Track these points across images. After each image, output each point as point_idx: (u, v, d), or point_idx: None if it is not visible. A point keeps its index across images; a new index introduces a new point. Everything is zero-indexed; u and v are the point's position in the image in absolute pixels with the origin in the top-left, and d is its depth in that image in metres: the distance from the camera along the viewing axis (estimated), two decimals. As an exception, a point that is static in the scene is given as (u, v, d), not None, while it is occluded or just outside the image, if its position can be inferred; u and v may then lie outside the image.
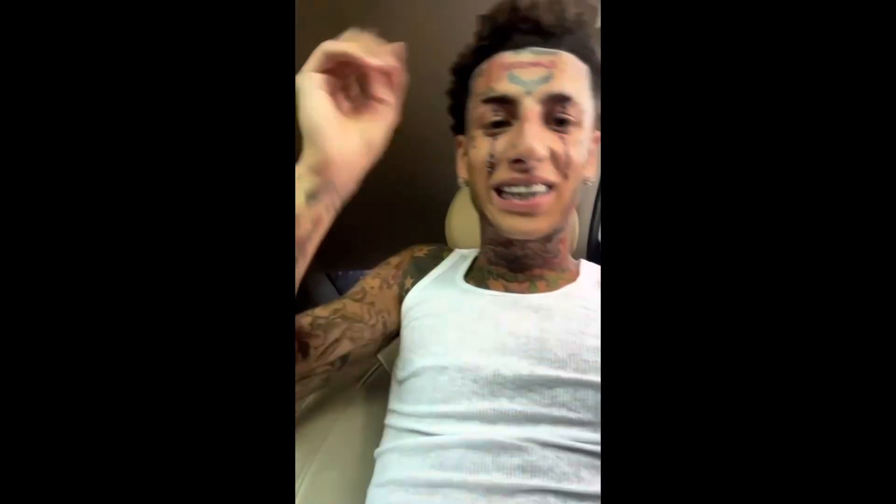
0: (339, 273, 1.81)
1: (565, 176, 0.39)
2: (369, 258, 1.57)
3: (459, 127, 0.47)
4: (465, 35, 0.62)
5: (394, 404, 0.41)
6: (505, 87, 0.39)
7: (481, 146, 0.40)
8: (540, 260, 0.44)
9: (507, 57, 0.40)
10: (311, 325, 0.40)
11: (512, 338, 0.38)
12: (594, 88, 0.42)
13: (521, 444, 0.32)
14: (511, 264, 0.45)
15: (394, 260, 0.53)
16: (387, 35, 0.43)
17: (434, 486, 0.32)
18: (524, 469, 0.31)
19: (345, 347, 0.41)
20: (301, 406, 0.48)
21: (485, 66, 0.41)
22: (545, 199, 0.39)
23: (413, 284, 0.49)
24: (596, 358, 0.36)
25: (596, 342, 0.37)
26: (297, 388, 0.39)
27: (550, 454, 0.32)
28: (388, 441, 0.39)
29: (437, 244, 0.56)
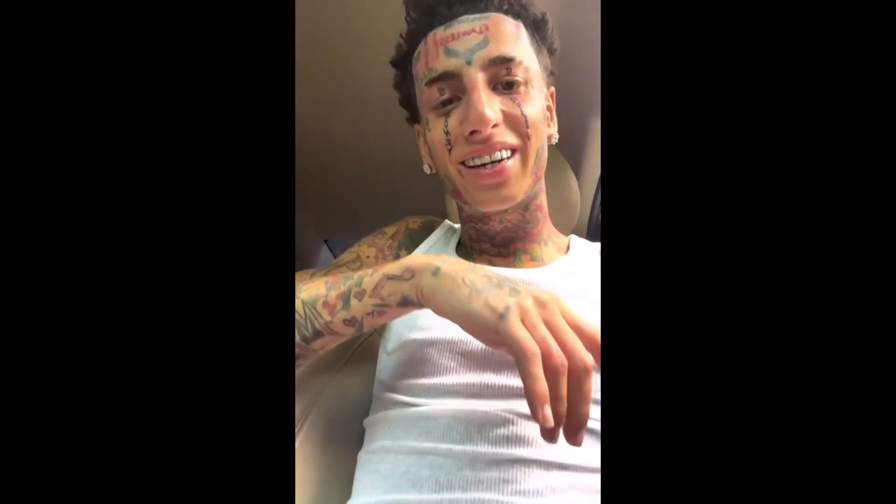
0: (337, 240, 1.81)
1: (526, 136, 0.38)
2: (368, 225, 1.57)
3: (414, 116, 0.47)
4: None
5: (383, 375, 0.42)
6: (444, 63, 0.38)
7: (435, 127, 0.40)
8: (521, 232, 0.44)
9: (439, 33, 0.38)
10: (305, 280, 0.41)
11: None
12: (535, 44, 0.41)
13: (505, 415, 0.33)
14: (493, 240, 0.45)
15: (389, 230, 0.53)
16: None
17: (421, 453, 0.33)
18: (508, 439, 0.32)
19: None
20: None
21: (420, 48, 0.40)
22: (511, 164, 0.38)
23: (405, 256, 0.50)
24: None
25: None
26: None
27: (534, 424, 0.32)
28: (377, 410, 0.40)
29: (431, 217, 0.56)
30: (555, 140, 0.44)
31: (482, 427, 0.33)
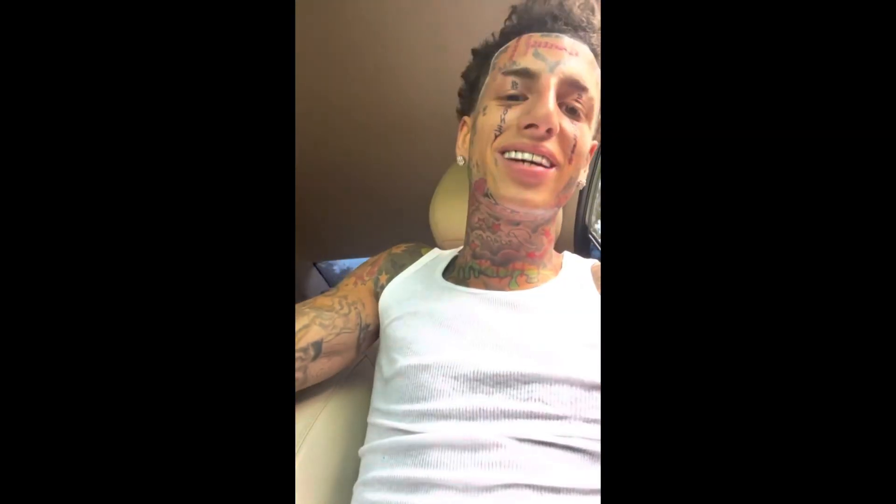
0: (326, 264, 1.81)
1: (569, 160, 0.39)
2: (356, 248, 1.57)
3: (467, 108, 0.47)
4: (455, 36, 0.62)
5: (377, 403, 0.42)
6: (529, 61, 0.39)
7: (493, 113, 0.40)
8: (524, 251, 0.44)
9: (535, 37, 0.40)
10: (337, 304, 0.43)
11: (491, 335, 0.39)
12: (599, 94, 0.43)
13: (498, 439, 0.33)
14: (494, 255, 0.45)
15: (372, 258, 0.53)
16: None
17: (416, 483, 0.33)
18: (501, 464, 0.32)
19: (315, 334, 0.42)
20: None
21: (511, 43, 0.42)
22: (548, 173, 0.39)
23: (388, 280, 0.50)
24: (571, 354, 0.36)
25: (572, 339, 0.37)
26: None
27: (526, 449, 0.33)
28: (372, 439, 0.40)
29: (416, 242, 0.57)
30: (581, 186, 0.45)
31: (475, 451, 0.33)
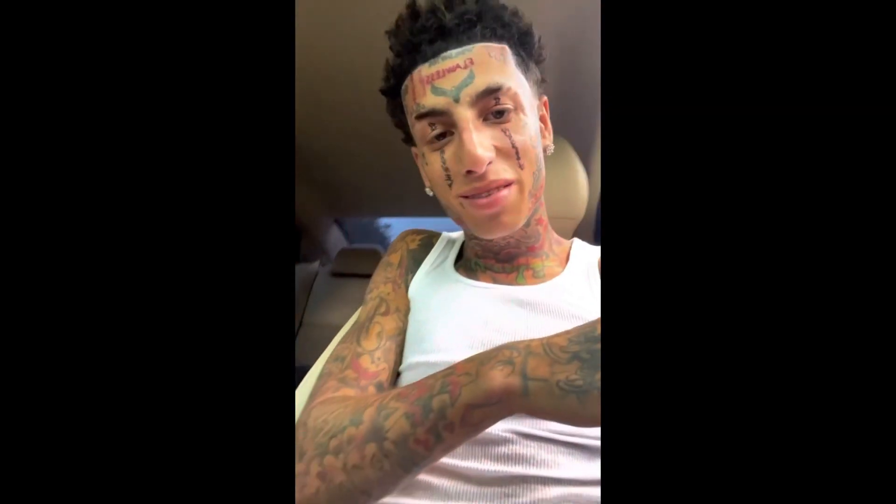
0: (347, 219, 1.85)
1: (520, 166, 0.39)
2: (375, 205, 1.59)
3: (409, 139, 0.47)
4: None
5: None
6: (432, 100, 0.38)
7: (433, 161, 0.40)
8: (523, 247, 0.45)
9: (424, 70, 0.39)
10: (372, 361, 0.42)
11: (498, 334, 0.40)
12: (522, 62, 0.41)
13: (506, 435, 0.35)
14: (497, 255, 0.46)
15: (394, 258, 0.53)
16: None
17: (430, 467, 0.35)
18: (509, 458, 0.34)
19: (396, 364, 0.44)
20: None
21: (407, 82, 0.41)
22: (507, 193, 0.39)
23: (412, 278, 0.51)
24: None
25: None
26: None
27: (532, 444, 0.34)
28: None
29: (428, 231, 0.58)
30: (550, 151, 0.45)
31: (485, 446, 0.35)
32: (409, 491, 0.35)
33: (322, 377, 0.41)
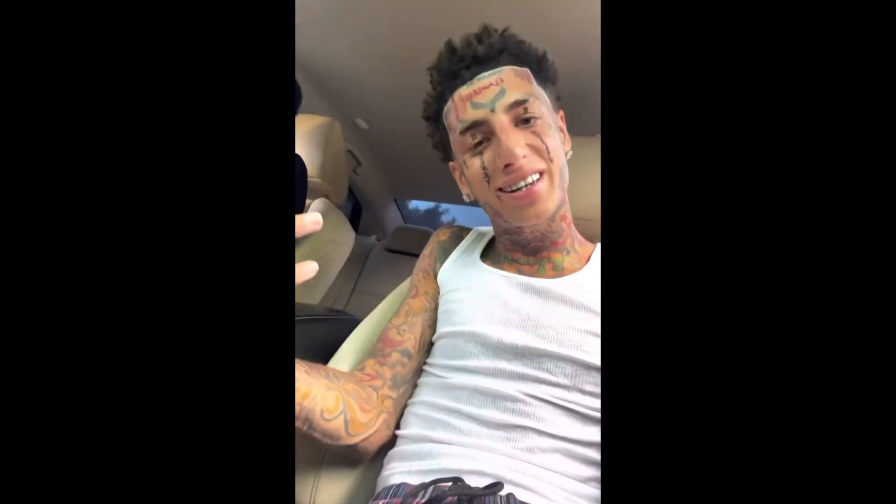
0: (405, 199, 1.97)
1: (550, 160, 0.47)
2: (431, 189, 1.68)
3: (447, 156, 0.57)
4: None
5: (427, 358, 0.54)
6: (472, 114, 0.47)
7: (473, 164, 0.49)
8: (548, 241, 0.52)
9: (464, 91, 0.48)
10: (398, 332, 0.53)
11: (515, 315, 0.47)
12: (541, 80, 0.51)
13: (514, 393, 0.43)
14: (524, 249, 0.54)
15: (426, 251, 0.63)
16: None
17: (450, 410, 0.44)
18: (514, 411, 0.42)
19: (428, 335, 0.54)
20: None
21: (449, 104, 0.51)
22: (541, 185, 0.47)
23: (440, 266, 0.60)
24: (579, 338, 0.44)
25: (582, 325, 0.45)
26: (413, 382, 0.52)
27: (535, 403, 0.42)
28: (420, 377, 0.52)
29: (460, 226, 0.66)
30: (569, 155, 0.54)
31: (495, 399, 0.43)
32: (433, 426, 0.45)
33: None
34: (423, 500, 0.36)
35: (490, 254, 0.60)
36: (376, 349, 0.53)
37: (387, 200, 1.81)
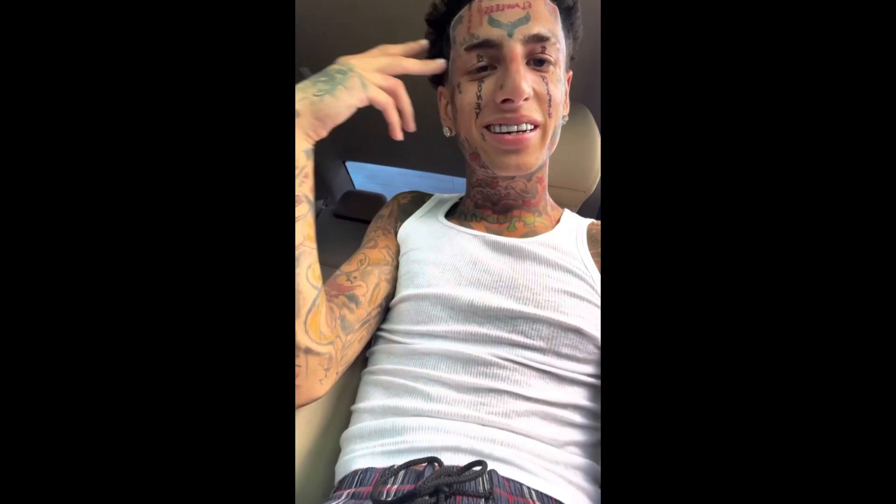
0: (355, 162, 1.85)
1: (549, 114, 0.42)
2: (381, 149, 1.59)
3: (437, 78, 0.49)
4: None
5: (382, 324, 0.48)
6: (487, 31, 0.40)
7: (468, 90, 0.42)
8: (521, 200, 0.49)
9: (485, 2, 0.41)
10: (348, 279, 0.45)
11: (487, 275, 0.43)
12: (566, 28, 0.44)
13: (486, 357, 0.39)
14: (495, 206, 0.50)
15: (385, 211, 0.58)
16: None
17: (414, 376, 0.40)
18: (487, 374, 0.39)
19: (384, 289, 0.47)
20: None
21: (463, 13, 0.43)
22: (532, 136, 0.42)
23: (401, 225, 0.55)
24: (556, 298, 0.41)
25: (558, 285, 0.42)
26: (360, 335, 0.44)
27: (509, 366, 0.39)
28: (379, 344, 0.46)
29: (418, 191, 0.62)
30: (565, 120, 0.48)
31: (466, 364, 0.40)
32: (398, 393, 0.41)
33: None
34: (396, 488, 0.32)
35: (456, 213, 0.54)
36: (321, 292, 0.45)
37: (336, 166, 1.69)
